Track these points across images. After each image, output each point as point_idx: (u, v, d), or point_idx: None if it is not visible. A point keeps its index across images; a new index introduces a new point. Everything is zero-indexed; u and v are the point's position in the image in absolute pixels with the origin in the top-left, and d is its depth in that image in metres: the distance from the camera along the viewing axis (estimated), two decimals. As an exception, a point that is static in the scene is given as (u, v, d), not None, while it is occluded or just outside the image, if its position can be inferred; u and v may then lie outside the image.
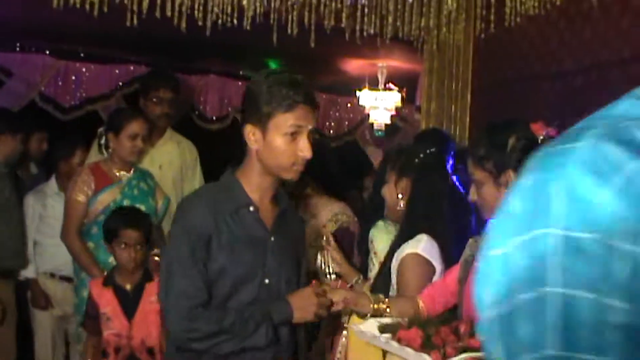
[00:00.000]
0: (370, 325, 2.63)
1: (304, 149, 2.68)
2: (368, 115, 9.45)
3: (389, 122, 9.28)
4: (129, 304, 4.10)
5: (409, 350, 2.33)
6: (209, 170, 4.92)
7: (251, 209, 2.79)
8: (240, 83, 9.91)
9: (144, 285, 4.16)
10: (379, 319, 2.68)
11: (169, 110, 5.15)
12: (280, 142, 2.66)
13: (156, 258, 4.56)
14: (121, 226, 4.14)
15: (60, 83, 8.70)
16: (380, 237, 3.82)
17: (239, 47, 8.09)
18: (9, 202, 5.12)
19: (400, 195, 3.32)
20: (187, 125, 9.02)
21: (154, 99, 5.07)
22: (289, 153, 2.68)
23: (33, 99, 8.53)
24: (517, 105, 5.87)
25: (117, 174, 4.64)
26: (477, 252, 2.64)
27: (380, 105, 9.10)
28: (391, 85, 8.98)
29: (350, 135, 10.58)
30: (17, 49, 8.52)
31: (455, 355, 2.22)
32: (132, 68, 8.95)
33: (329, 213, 4.33)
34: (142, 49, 8.71)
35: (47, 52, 8.64)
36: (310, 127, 2.71)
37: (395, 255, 3.20)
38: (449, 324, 2.38)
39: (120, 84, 8.90)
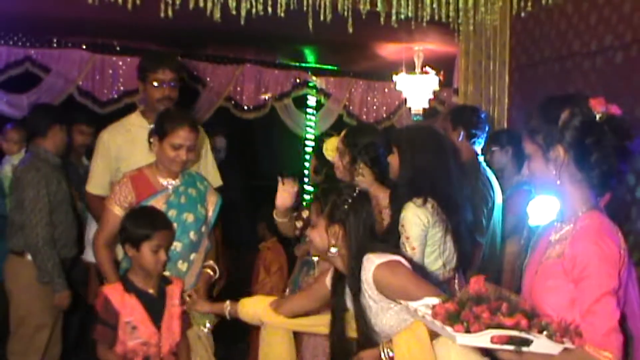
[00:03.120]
0: (426, 302, 2.60)
1: None
2: (405, 99, 9.39)
3: (427, 106, 9.21)
4: (155, 309, 3.81)
5: (437, 322, 2.31)
6: (245, 160, 4.69)
7: None
8: (276, 71, 9.93)
9: (164, 289, 3.88)
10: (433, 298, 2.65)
11: (171, 93, 4.57)
12: None
13: (208, 270, 4.27)
14: (155, 228, 3.82)
15: (97, 77, 8.81)
16: (413, 221, 3.79)
17: (273, 36, 8.06)
18: (67, 193, 5.27)
19: (333, 241, 3.28)
20: (223, 115, 9.10)
21: (154, 82, 4.53)
22: None
23: (71, 93, 8.63)
24: (556, 84, 5.78)
25: (162, 181, 4.15)
26: (544, 230, 2.62)
27: (417, 90, 9.02)
28: (428, 69, 8.91)
29: (388, 121, 10.55)
30: (55, 45, 8.61)
31: (481, 331, 2.19)
32: (168, 60, 8.99)
33: (383, 202, 4.26)
34: (177, 40, 8.73)
35: (84, 46, 8.72)
36: None
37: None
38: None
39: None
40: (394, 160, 3.91)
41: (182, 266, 4.11)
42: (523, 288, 2.58)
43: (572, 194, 2.41)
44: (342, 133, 4.36)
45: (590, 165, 2.34)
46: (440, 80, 8.97)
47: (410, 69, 8.91)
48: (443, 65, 8.56)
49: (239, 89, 9.62)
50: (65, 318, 5.37)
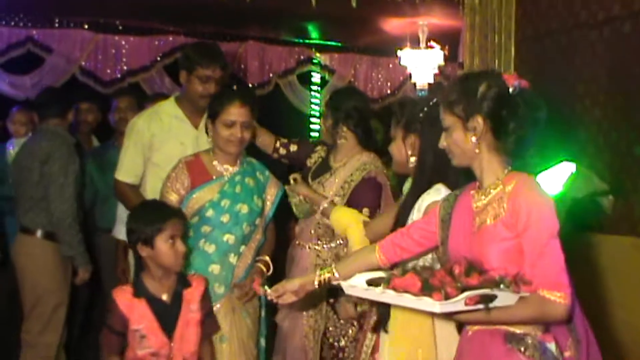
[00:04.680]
0: (359, 280, 2.63)
1: None
2: (410, 75, 9.34)
3: (431, 80, 9.16)
4: (167, 317, 3.46)
5: (408, 296, 2.34)
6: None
7: None
8: (280, 48, 9.91)
9: (181, 293, 3.52)
10: (364, 274, 2.67)
11: (216, 90, 4.32)
12: None
13: (261, 266, 4.00)
14: (165, 218, 3.50)
15: (100, 57, 8.80)
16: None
17: (277, 12, 8.02)
18: (79, 173, 5.27)
19: (409, 152, 3.30)
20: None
21: (203, 77, 4.32)
22: None
23: (74, 73, 8.65)
24: (563, 56, 5.73)
25: (219, 168, 3.94)
26: (454, 203, 2.75)
27: (422, 65, 8.97)
28: (433, 44, 8.86)
29: (393, 97, 10.51)
30: (56, 25, 8.58)
31: (456, 296, 2.26)
32: (171, 39, 9.02)
33: (357, 162, 4.30)
34: (180, 18, 8.69)
35: (86, 26, 8.69)
36: None
37: (416, 207, 3.14)
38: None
39: (161, 55, 8.94)
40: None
41: (233, 259, 3.91)
42: (449, 259, 2.66)
43: (490, 161, 2.58)
44: (327, 96, 4.38)
45: (507, 133, 2.52)
46: (445, 55, 8.91)
47: (415, 43, 8.86)
48: (448, 40, 8.51)
49: (242, 66, 9.62)
50: (73, 299, 5.38)
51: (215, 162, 3.95)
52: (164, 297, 3.49)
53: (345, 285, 2.67)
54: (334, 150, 4.40)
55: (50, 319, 5.09)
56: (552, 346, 2.48)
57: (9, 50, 8.34)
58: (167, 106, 4.55)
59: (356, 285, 2.61)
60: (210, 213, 3.85)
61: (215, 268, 3.83)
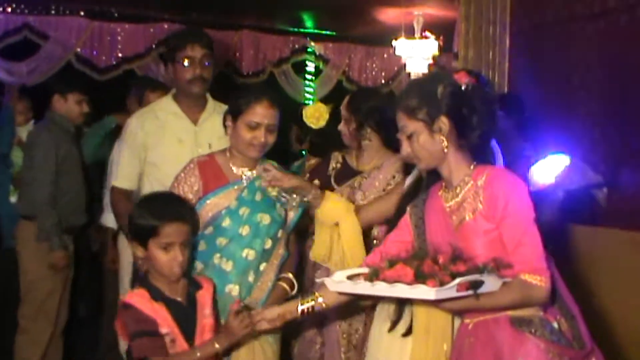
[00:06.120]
0: (340, 277, 2.64)
1: None
2: (405, 65, 9.35)
3: (426, 71, 9.17)
4: (186, 321, 2.99)
5: (401, 285, 2.37)
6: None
7: None
8: (275, 37, 9.92)
9: (194, 296, 3.07)
10: (344, 271, 2.70)
11: (203, 72, 4.06)
12: None
13: (284, 285, 3.48)
14: (163, 219, 2.93)
15: (95, 44, 8.82)
16: None
17: (272, 1, 8.02)
18: (78, 161, 5.32)
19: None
20: (222, 82, 9.05)
21: (184, 60, 4.03)
22: None
23: (69, 60, 8.65)
24: (558, 48, 5.74)
25: (236, 170, 3.47)
26: (424, 207, 2.82)
27: (417, 55, 8.99)
28: (428, 34, 8.87)
29: (387, 86, 10.52)
30: (53, 12, 8.59)
31: (449, 282, 2.32)
32: (166, 26, 9.02)
33: (397, 164, 4.16)
34: (175, 6, 8.70)
35: (82, 13, 8.70)
36: None
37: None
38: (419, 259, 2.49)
39: (156, 42, 8.96)
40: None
41: (251, 278, 3.39)
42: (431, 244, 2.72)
43: (457, 159, 2.66)
44: (345, 99, 4.27)
45: (471, 129, 2.61)
46: (439, 45, 8.93)
47: (410, 33, 8.87)
48: (443, 30, 8.52)
49: (237, 54, 9.65)
50: (76, 286, 5.45)
51: (231, 164, 3.49)
52: (180, 299, 3.03)
53: (329, 282, 2.66)
54: (355, 153, 4.24)
55: (43, 305, 5.12)
56: (555, 324, 2.56)
57: (6, 36, 8.34)
58: (164, 103, 4.30)
59: (343, 281, 2.60)
60: (227, 223, 3.37)
61: (233, 289, 3.33)
